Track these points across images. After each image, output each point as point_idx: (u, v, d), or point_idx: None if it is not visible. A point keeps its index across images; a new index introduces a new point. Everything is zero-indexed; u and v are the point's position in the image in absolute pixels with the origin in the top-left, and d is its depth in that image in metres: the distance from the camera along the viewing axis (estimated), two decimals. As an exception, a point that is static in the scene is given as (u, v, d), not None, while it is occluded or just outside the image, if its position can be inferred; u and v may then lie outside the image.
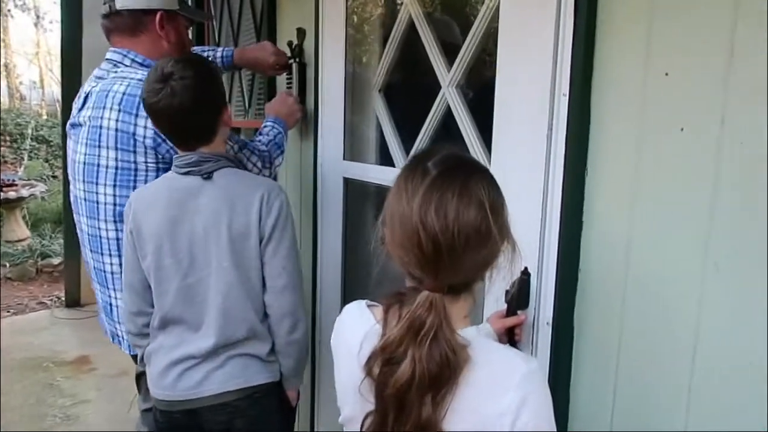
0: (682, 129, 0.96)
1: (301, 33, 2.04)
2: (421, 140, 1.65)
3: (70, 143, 1.76)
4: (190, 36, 1.97)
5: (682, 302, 0.97)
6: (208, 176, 1.44)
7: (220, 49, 2.12)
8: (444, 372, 0.82)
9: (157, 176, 1.59)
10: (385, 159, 1.85)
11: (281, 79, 2.15)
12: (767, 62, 0.85)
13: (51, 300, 5.06)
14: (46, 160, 9.91)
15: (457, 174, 0.86)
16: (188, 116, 1.40)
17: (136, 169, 1.60)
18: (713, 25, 0.91)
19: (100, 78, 1.70)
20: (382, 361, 0.86)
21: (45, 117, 12.02)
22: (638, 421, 1.07)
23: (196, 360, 1.45)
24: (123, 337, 1.73)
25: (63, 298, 4.94)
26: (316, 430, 2.18)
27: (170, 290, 1.45)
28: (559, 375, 1.18)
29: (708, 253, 0.93)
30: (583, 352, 1.16)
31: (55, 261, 5.74)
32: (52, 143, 10.06)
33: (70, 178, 1.75)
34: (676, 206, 0.98)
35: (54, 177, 8.96)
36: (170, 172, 1.50)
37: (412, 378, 0.82)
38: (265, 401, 1.51)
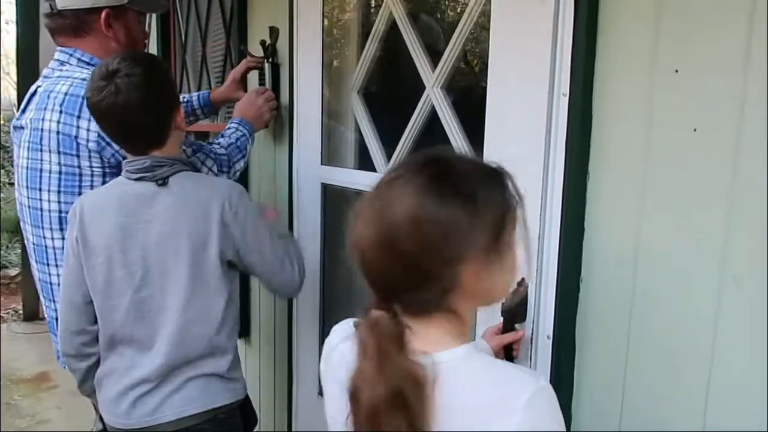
0: (694, 130, 0.90)
1: (274, 32, 1.94)
2: (405, 143, 1.58)
3: (14, 147, 1.66)
4: (153, 30, 1.85)
5: (697, 317, 0.91)
6: (163, 182, 1.34)
7: (195, 94, 2.01)
8: (404, 393, 0.73)
9: (104, 182, 1.49)
10: (366, 163, 1.77)
11: (254, 80, 2.05)
12: (790, 57, 0.79)
13: (8, 313, 4.83)
14: (2, 167, 9.53)
15: (392, 176, 0.78)
16: (135, 116, 1.30)
17: (80, 174, 1.51)
18: (727, 17, 0.85)
19: (46, 77, 1.61)
20: (351, 394, 0.77)
21: (2, 122, 11.59)
22: (647, 442, 1.00)
23: (152, 384, 1.35)
24: None
25: (21, 312, 4.73)
26: (293, 430, 2.09)
27: (121, 305, 1.34)
28: (560, 393, 1.10)
29: (725, 264, 0.87)
30: (586, 369, 1.09)
31: (12, 272, 5.51)
32: (9, 149, 9.69)
33: (16, 184, 1.65)
34: (689, 213, 0.91)
35: (11, 184, 8.62)
36: (121, 176, 1.39)
37: (372, 405, 0.74)
38: (229, 422, 1.42)
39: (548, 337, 1.12)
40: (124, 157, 1.42)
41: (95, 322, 1.39)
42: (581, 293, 1.08)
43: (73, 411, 3.17)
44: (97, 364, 1.42)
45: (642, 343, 1.00)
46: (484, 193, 0.76)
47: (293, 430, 2.07)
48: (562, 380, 1.11)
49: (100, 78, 1.30)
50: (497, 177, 0.79)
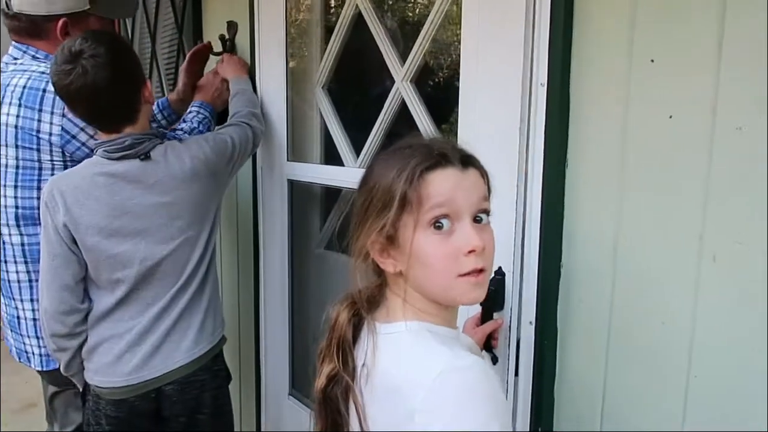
0: (670, 116, 0.94)
1: (232, 26, 1.90)
2: (375, 137, 1.57)
3: None
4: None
5: (677, 297, 0.95)
6: (146, 156, 1.38)
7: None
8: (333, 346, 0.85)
9: None
10: (333, 158, 1.76)
11: (211, 66, 1.98)
12: (762, 43, 0.83)
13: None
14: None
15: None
16: (106, 95, 1.31)
17: (40, 168, 1.48)
18: (701, 6, 0.89)
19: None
20: None
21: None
22: (629, 423, 1.03)
23: (159, 336, 1.43)
24: (34, 353, 1.58)
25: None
26: (262, 430, 2.06)
27: (129, 276, 1.40)
28: (544, 376, 1.14)
29: (704, 245, 0.91)
30: (569, 353, 1.12)
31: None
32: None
33: None
34: (667, 197, 0.95)
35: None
36: (95, 158, 1.39)
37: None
38: (221, 359, 1.57)
39: (530, 323, 1.14)
40: (92, 149, 1.43)
41: (84, 300, 1.43)
42: (562, 279, 1.11)
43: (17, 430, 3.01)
44: (85, 341, 1.45)
45: (623, 325, 1.03)
46: (382, 171, 0.82)
47: (263, 430, 2.04)
48: (545, 365, 1.13)
49: (65, 61, 1.29)
50: (405, 159, 0.81)
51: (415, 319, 0.83)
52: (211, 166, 1.45)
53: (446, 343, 0.80)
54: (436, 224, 0.78)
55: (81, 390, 1.52)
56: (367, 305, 0.87)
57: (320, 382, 0.85)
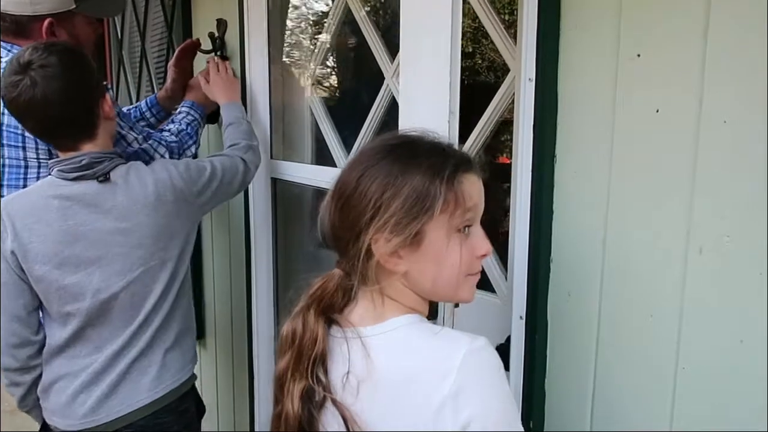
0: (657, 110, 0.94)
1: (222, 24, 1.89)
2: (365, 135, 1.57)
3: None
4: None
5: (664, 291, 0.95)
6: (104, 178, 1.28)
7: (142, 101, 1.92)
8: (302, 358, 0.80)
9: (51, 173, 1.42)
10: (322, 156, 1.76)
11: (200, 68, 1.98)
12: (747, 35, 0.84)
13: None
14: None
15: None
16: (56, 109, 1.22)
17: (26, 166, 1.45)
18: (687, 1, 0.89)
19: None
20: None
21: None
22: (619, 418, 1.04)
23: (116, 375, 1.33)
24: None
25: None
26: (256, 430, 2.06)
27: (81, 309, 1.30)
28: (535, 371, 1.14)
29: (691, 238, 0.92)
30: (559, 347, 1.12)
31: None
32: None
33: None
34: (655, 191, 0.96)
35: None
36: (49, 178, 1.30)
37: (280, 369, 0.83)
38: (190, 396, 1.47)
39: (521, 317, 1.15)
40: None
41: (38, 331, 1.34)
42: (552, 273, 1.11)
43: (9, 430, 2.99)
44: (41, 375, 1.36)
45: (613, 319, 1.04)
46: (405, 169, 0.78)
47: (256, 430, 2.04)
48: (536, 359, 1.14)
49: (13, 72, 1.21)
50: (435, 159, 0.79)
51: (404, 314, 0.83)
52: (178, 192, 1.34)
53: (445, 330, 0.81)
54: (465, 227, 0.80)
55: (39, 428, 1.44)
56: (329, 310, 0.84)
57: (293, 406, 0.79)
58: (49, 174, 1.31)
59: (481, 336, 0.77)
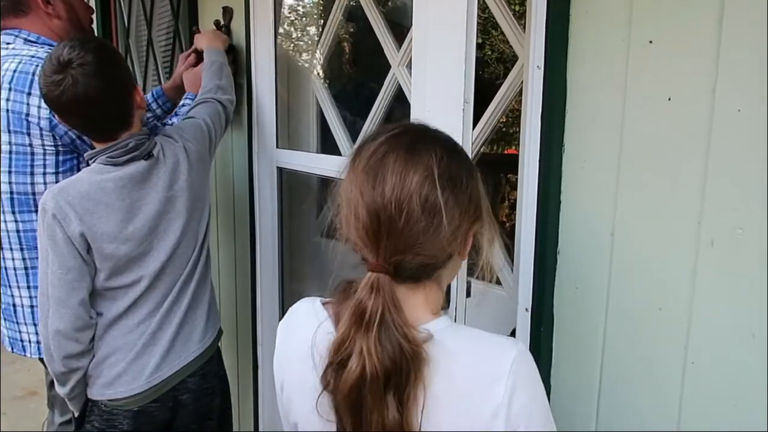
0: (669, 99, 0.92)
1: (228, 12, 1.88)
2: (371, 123, 1.56)
3: None
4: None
5: (674, 282, 0.93)
6: (149, 155, 1.39)
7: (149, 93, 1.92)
8: (401, 366, 0.71)
9: (57, 159, 1.49)
10: (328, 145, 1.74)
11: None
12: (762, 23, 0.81)
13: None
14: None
15: (402, 139, 0.77)
16: (98, 105, 1.29)
17: (32, 153, 1.47)
18: (701, -12, 0.87)
19: None
20: (336, 364, 0.74)
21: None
22: (626, 413, 1.02)
23: (173, 330, 1.45)
24: (30, 341, 1.57)
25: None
26: (260, 429, 2.06)
27: (144, 278, 1.41)
28: (540, 364, 1.11)
29: (702, 230, 0.89)
30: (565, 340, 1.10)
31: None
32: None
33: None
34: (665, 181, 0.93)
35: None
36: (95, 166, 1.35)
37: (362, 375, 0.71)
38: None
39: (527, 309, 1.13)
40: (79, 136, 1.43)
41: (93, 313, 1.40)
42: (559, 265, 1.09)
43: (19, 416, 3.02)
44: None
45: (620, 312, 1.02)
46: (466, 172, 0.80)
47: (260, 429, 2.03)
48: (541, 352, 1.12)
49: (54, 72, 1.25)
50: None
51: (435, 317, 0.80)
52: (196, 154, 1.49)
53: (484, 334, 0.81)
54: None
55: (78, 414, 1.45)
56: None
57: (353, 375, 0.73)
58: (87, 164, 1.39)
59: (517, 340, 0.79)
